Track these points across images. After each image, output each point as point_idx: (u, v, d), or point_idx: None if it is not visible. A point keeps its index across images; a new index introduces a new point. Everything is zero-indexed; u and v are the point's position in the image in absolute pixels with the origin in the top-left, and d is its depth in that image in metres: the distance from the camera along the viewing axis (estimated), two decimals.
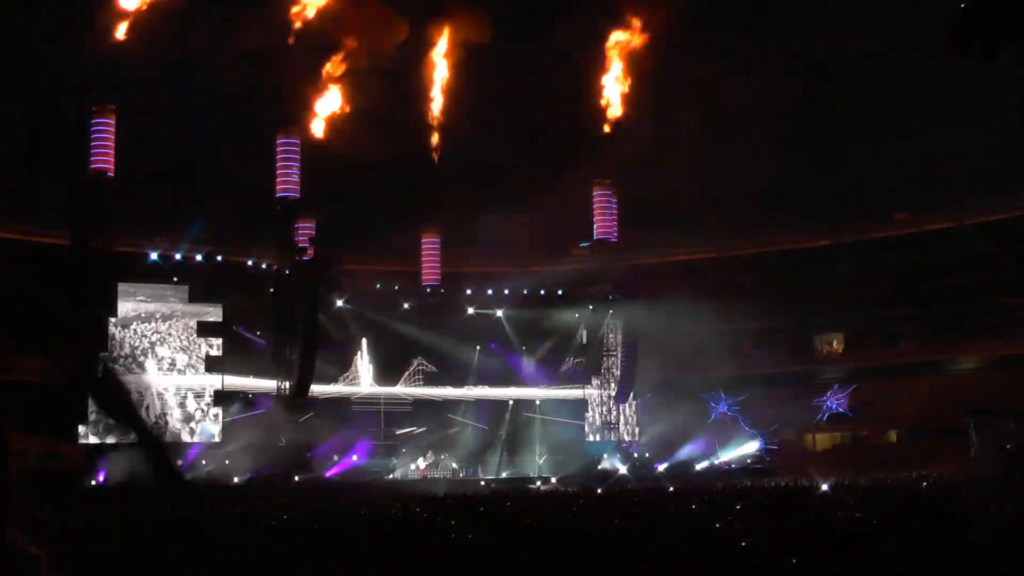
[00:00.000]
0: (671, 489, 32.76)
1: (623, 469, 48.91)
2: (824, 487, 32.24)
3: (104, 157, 43.37)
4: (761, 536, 14.53)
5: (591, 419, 54.74)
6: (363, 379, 51.14)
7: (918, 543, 12.68)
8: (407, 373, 52.39)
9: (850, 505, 21.84)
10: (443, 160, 53.67)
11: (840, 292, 57.01)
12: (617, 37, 52.89)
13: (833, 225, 57.27)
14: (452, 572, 12.88)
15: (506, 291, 53.92)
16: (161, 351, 45.94)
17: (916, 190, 57.92)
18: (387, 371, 51.75)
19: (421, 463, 49.14)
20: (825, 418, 56.18)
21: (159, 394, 45.31)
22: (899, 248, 56.01)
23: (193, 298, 46.79)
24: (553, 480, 47.02)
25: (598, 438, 54.16)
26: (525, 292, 53.97)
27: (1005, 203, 52.13)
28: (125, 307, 45.26)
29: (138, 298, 45.70)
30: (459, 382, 53.25)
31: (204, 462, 44.21)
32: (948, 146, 58.00)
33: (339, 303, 50.44)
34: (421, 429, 51.53)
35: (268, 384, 46.42)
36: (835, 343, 61.75)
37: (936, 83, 55.18)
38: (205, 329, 46.88)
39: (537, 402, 54.60)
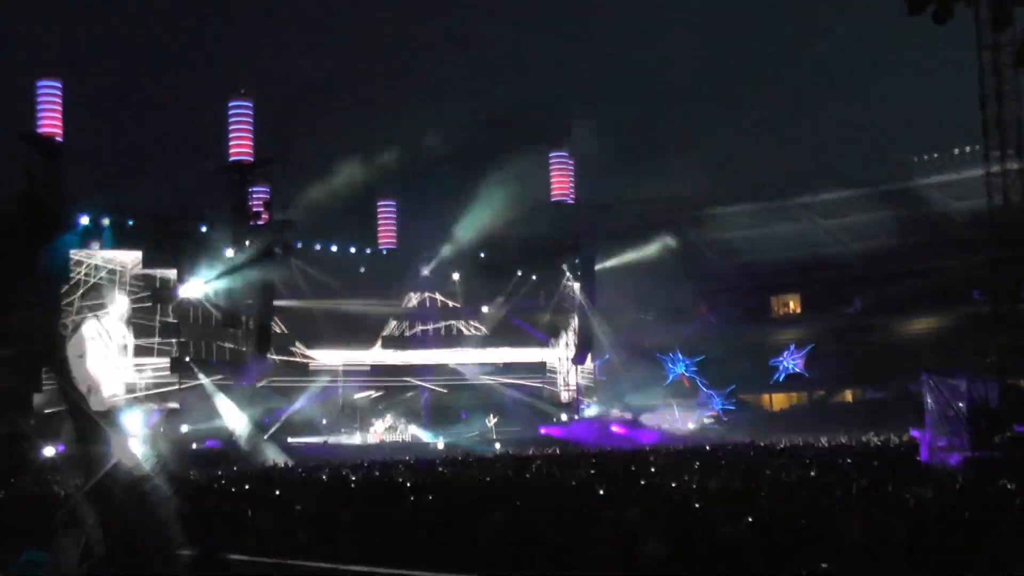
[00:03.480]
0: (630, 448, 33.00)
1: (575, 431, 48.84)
2: (781, 447, 32.63)
3: (52, 121, 42.50)
4: (717, 495, 14.65)
5: (550, 381, 54.82)
6: (323, 344, 50.74)
7: (871, 501, 12.84)
8: (380, 336, 52.08)
9: (805, 464, 22.11)
10: None
11: (796, 254, 57.32)
12: None
13: (788, 188, 57.75)
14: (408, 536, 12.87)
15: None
16: (115, 316, 45.08)
17: (870, 152, 58.49)
18: (348, 335, 51.31)
19: (380, 427, 48.99)
20: (782, 378, 56.70)
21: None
22: (854, 209, 56.49)
23: (148, 264, 45.90)
24: (497, 444, 45.83)
25: (556, 399, 54.27)
26: (482, 254, 53.56)
27: (956, 164, 52.84)
28: (79, 270, 44.28)
29: (92, 262, 44.74)
30: (419, 345, 52.99)
31: (162, 429, 43.57)
32: (901, 109, 58.46)
33: (296, 267, 49.83)
34: (379, 394, 51.29)
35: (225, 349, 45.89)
36: (792, 304, 62.23)
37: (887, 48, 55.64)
38: (160, 296, 46.06)
39: (492, 364, 53.89)
